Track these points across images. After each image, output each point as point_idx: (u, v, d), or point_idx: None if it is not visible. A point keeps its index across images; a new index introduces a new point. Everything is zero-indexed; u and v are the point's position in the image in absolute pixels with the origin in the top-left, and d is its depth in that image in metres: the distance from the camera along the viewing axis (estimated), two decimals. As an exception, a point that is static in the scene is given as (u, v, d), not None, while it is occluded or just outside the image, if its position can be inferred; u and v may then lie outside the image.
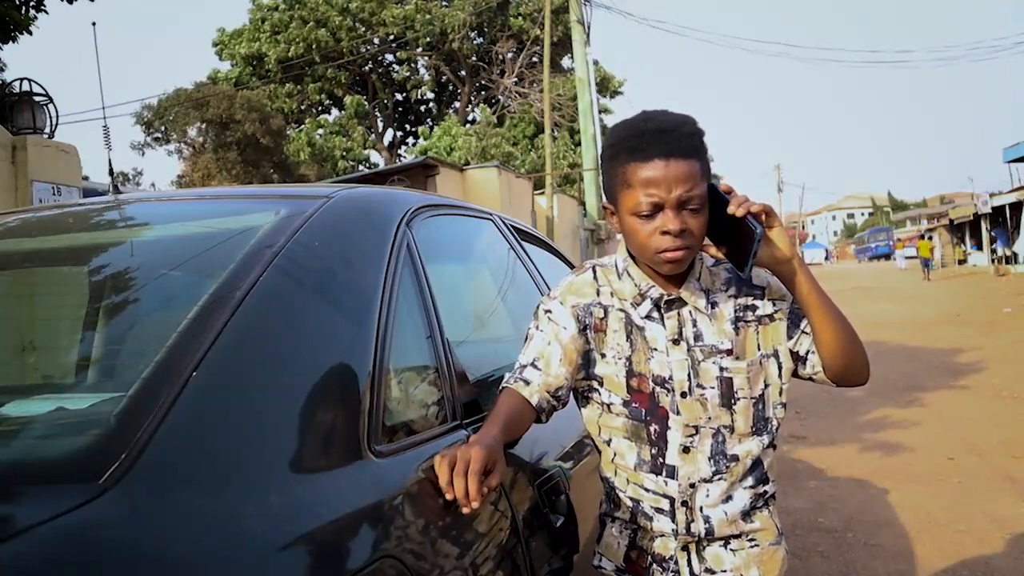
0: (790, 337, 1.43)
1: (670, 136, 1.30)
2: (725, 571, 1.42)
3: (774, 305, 1.43)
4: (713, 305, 1.41)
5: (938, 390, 7.45)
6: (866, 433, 5.99)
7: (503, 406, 1.34)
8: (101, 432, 0.88)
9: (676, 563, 1.43)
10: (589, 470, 1.76)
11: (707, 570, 1.43)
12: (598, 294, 1.45)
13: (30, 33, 8.17)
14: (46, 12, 8.31)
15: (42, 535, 0.72)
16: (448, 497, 1.12)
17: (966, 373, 8.29)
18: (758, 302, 1.43)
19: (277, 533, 0.88)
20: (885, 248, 54.83)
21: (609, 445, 1.46)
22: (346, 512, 0.98)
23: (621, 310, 1.43)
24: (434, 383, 1.40)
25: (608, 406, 1.44)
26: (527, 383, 1.38)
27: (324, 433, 1.06)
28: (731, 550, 1.43)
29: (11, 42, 8.18)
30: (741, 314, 1.42)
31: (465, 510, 1.12)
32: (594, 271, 1.48)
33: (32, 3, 8.14)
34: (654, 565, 1.44)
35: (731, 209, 1.30)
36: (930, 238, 32.66)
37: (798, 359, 1.43)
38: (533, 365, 1.40)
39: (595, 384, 1.45)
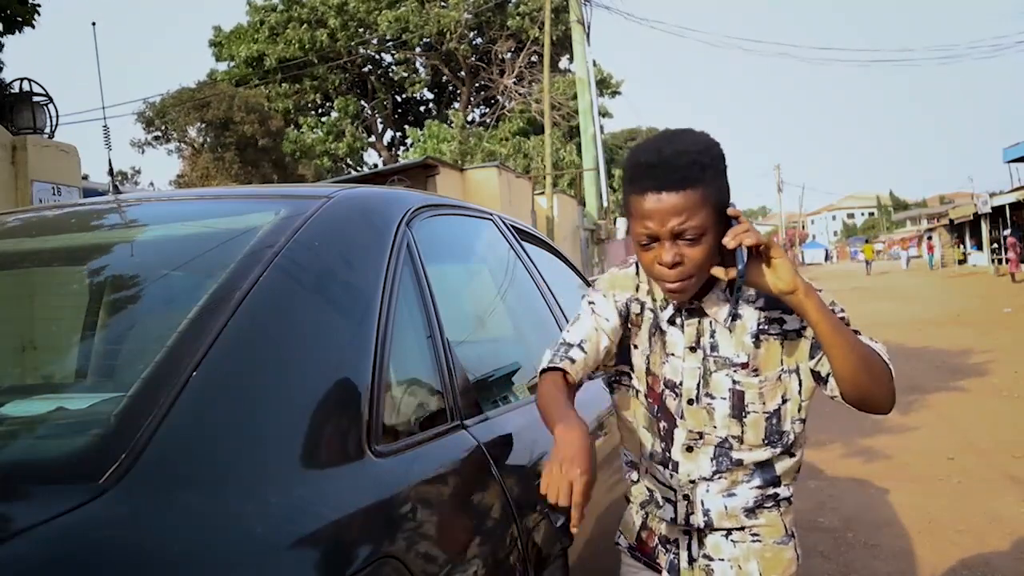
0: (812, 357, 1.41)
1: (661, 170, 1.29)
2: (723, 559, 1.47)
3: (801, 321, 1.39)
4: (735, 317, 1.41)
5: (938, 390, 7.44)
6: (866, 433, 5.98)
7: (561, 392, 1.34)
8: (101, 432, 0.88)
9: (678, 546, 1.50)
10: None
11: (705, 556, 1.48)
12: (637, 290, 1.50)
13: (33, 26, 8.15)
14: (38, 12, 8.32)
15: (42, 535, 0.72)
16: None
17: (966, 373, 8.28)
18: (786, 316, 1.40)
19: (277, 533, 0.88)
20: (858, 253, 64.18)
21: (636, 430, 1.51)
22: (347, 512, 0.98)
23: (651, 310, 1.48)
24: (434, 383, 1.40)
25: (638, 392, 1.51)
26: (573, 361, 1.39)
27: (324, 433, 1.05)
28: (732, 541, 1.47)
29: (16, 31, 8.16)
30: (765, 327, 1.41)
31: (574, 529, 1.18)
32: (636, 267, 1.51)
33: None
34: (659, 546, 1.53)
35: (725, 240, 1.29)
36: (929, 238, 35.32)
37: (819, 379, 1.41)
38: (580, 347, 1.41)
39: (629, 371, 1.51)
